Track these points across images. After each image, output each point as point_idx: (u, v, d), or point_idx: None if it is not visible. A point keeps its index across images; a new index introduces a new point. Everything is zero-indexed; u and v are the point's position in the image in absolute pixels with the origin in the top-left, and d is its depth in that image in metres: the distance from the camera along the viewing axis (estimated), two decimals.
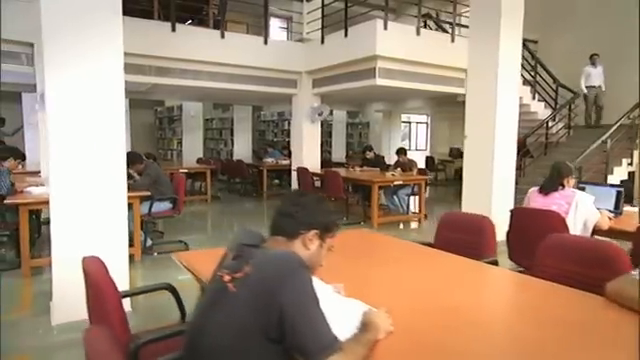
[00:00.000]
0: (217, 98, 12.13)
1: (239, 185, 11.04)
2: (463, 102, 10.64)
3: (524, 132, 9.84)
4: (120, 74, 3.19)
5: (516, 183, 6.14)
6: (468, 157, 6.06)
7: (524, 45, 9.26)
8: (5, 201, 4.28)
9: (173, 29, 7.59)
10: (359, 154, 14.71)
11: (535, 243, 2.36)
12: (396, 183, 7.20)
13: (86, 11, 3.02)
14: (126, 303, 2.16)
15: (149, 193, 4.98)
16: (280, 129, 14.73)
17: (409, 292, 1.90)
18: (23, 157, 4.85)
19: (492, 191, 5.62)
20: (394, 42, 7.43)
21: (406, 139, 16.20)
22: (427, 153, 15.04)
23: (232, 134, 12.86)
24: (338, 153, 14.06)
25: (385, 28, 7.32)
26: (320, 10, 8.84)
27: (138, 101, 12.40)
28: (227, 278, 1.23)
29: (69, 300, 3.11)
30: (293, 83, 9.30)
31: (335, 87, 8.67)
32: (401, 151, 7.63)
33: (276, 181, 11.11)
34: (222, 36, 8.09)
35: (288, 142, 13.65)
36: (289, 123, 13.99)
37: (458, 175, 12.35)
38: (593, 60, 8.87)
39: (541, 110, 9.82)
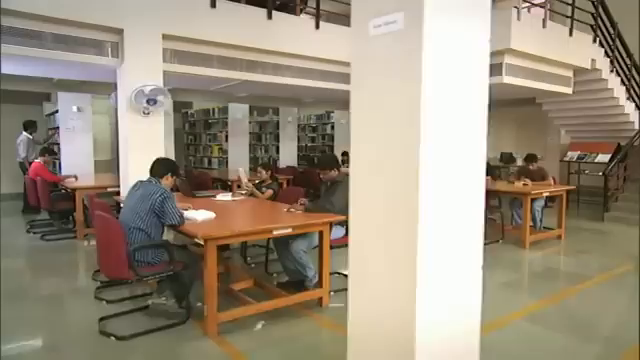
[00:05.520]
0: (281, 97, 11.05)
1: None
2: (540, 104, 10.08)
3: (614, 136, 9.26)
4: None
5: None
6: None
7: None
8: (199, 237, 3.09)
9: (269, 16, 6.47)
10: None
11: None
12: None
13: None
14: None
15: (344, 218, 3.87)
16: (320, 133, 13.64)
17: None
18: (178, 172, 3.65)
19: None
20: (526, 35, 6.59)
21: None
22: None
23: (277, 139, 11.69)
24: None
25: (518, 19, 6.47)
26: None
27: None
28: None
29: None
30: None
31: None
32: (531, 158, 6.75)
33: None
34: (317, 26, 7.03)
35: (331, 148, 12.66)
36: (333, 127, 12.99)
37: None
38: None
39: (632, 110, 9.17)
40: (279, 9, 6.72)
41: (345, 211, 3.97)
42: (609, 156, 8.84)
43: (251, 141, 12.90)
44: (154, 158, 5.57)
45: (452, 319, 2.13)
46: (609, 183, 8.12)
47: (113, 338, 3.14)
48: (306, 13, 8.24)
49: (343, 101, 12.63)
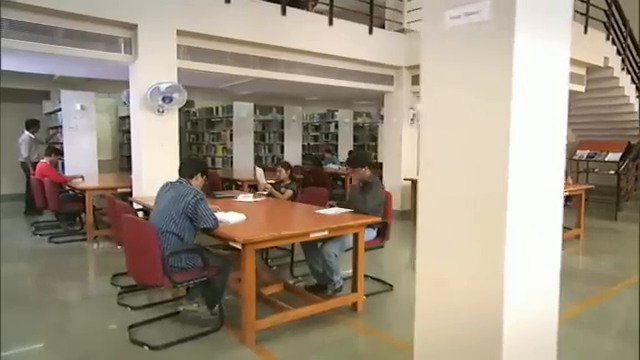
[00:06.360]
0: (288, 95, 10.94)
1: None
2: None
3: (623, 134, 9.22)
4: None
5: None
6: None
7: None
8: (235, 242, 2.93)
9: (284, 12, 6.31)
10: None
11: None
12: None
13: None
14: None
15: (379, 219, 3.74)
16: (323, 132, 13.50)
17: None
18: (208, 172, 3.50)
19: None
20: None
21: None
22: None
23: (281, 138, 11.53)
24: None
25: None
26: None
27: None
28: None
29: None
30: (389, 79, 8.19)
31: None
32: None
33: None
34: (330, 23, 6.88)
35: (335, 147, 12.53)
36: (336, 126, 12.86)
37: None
38: None
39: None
40: (290, 4, 6.57)
41: (377, 212, 3.89)
42: (619, 155, 8.79)
43: (254, 140, 12.73)
44: (169, 157, 5.50)
45: (535, 317, 2.02)
46: (621, 182, 8.07)
47: (146, 348, 2.98)
48: (316, 11, 8.10)
49: (347, 100, 12.53)
